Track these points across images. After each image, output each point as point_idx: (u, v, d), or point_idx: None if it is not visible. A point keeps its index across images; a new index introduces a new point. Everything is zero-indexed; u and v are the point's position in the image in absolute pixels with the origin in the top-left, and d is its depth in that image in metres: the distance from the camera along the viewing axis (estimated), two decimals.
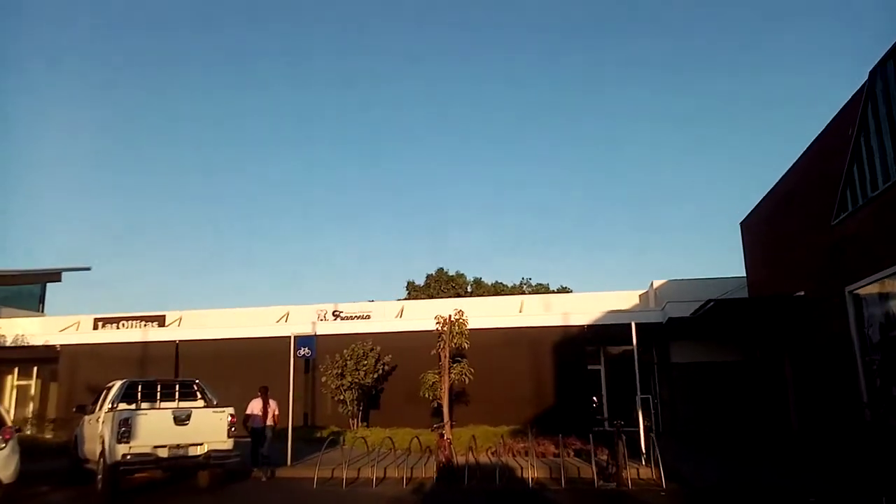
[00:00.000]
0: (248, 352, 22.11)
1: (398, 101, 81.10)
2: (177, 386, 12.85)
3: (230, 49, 77.51)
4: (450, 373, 16.59)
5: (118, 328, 26.82)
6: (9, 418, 10.94)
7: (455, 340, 16.80)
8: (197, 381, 12.69)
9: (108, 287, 68.49)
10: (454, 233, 74.19)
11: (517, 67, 78.13)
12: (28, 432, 23.62)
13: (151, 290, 70.81)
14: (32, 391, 26.60)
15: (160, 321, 26.90)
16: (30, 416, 24.46)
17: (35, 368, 26.56)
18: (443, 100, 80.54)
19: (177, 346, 23.41)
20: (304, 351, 13.60)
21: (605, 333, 20.17)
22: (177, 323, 26.70)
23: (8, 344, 23.57)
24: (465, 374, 17.14)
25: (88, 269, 30.66)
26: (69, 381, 23.52)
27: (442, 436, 11.28)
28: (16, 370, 26.66)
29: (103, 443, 10.77)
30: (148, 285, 73.24)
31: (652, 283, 23.03)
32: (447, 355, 16.53)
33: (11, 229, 66.57)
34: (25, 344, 23.85)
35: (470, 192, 78.77)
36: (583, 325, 20.53)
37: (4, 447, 10.46)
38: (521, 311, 24.68)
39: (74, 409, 13.47)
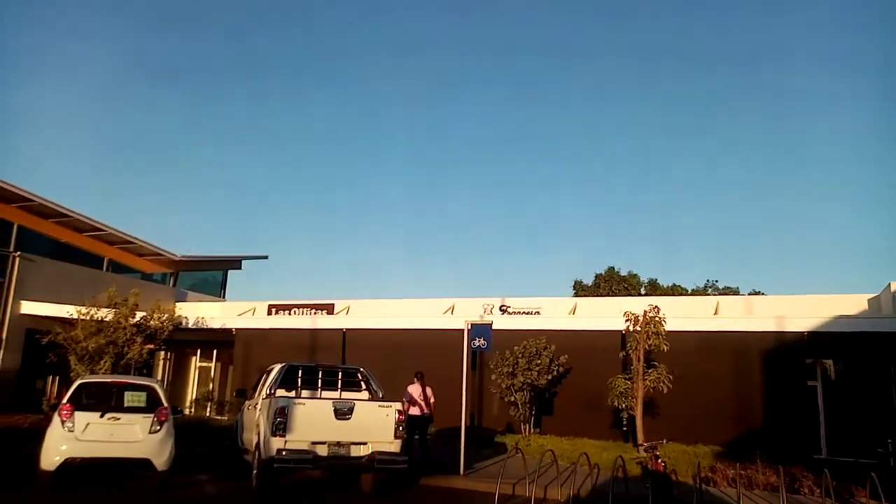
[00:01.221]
0: (414, 343, 20.68)
1: (577, 100, 78.06)
2: (340, 373, 11.22)
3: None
4: (644, 379, 13.82)
5: (289, 314, 26.48)
6: (165, 397, 9.74)
7: (650, 342, 14.01)
8: (362, 368, 10.98)
9: (283, 275, 71.51)
10: (623, 231, 69.89)
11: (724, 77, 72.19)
12: (206, 413, 23.86)
13: (322, 280, 73.07)
14: (212, 373, 26.96)
15: (329, 309, 26.29)
16: (208, 396, 24.75)
17: (215, 351, 26.93)
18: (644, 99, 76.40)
19: (344, 335, 22.45)
20: (478, 342, 11.52)
21: (831, 342, 16.34)
22: (345, 311, 25.93)
23: (190, 326, 23.71)
24: (663, 382, 14.24)
25: (265, 257, 31.04)
26: (243, 364, 23.33)
27: (656, 457, 8.63)
28: (198, 352, 27.12)
29: (258, 433, 9.29)
30: (319, 275, 75.82)
31: (890, 285, 18.64)
32: (641, 358, 13.79)
33: (201, 218, 71.47)
34: (205, 326, 23.91)
35: (646, 192, 73.94)
36: (802, 332, 16.78)
37: (159, 430, 9.29)
38: (716, 314, 21.14)
39: (234, 394, 12.26)
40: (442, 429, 16.48)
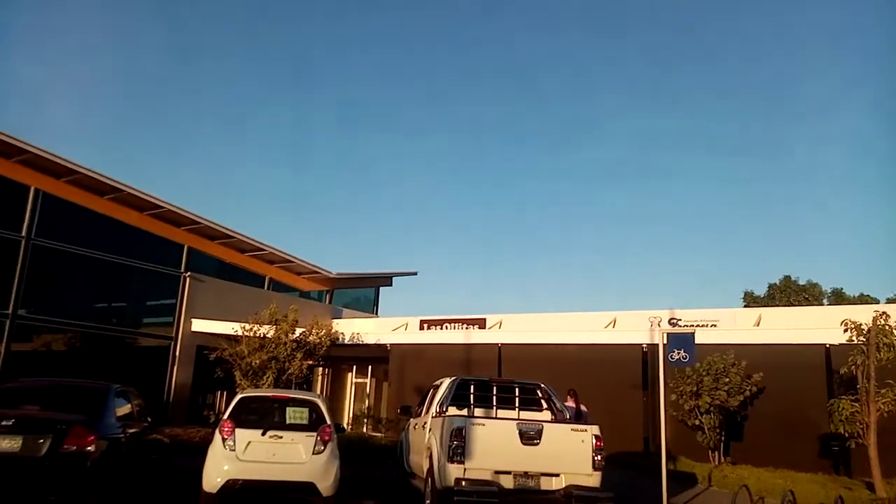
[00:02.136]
0: (576, 358, 18.97)
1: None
2: (517, 389, 9.64)
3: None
4: (876, 400, 11.14)
5: (441, 329, 25.44)
6: (328, 414, 8.63)
7: (882, 355, 11.31)
8: (542, 384, 9.35)
9: (432, 290, 71.58)
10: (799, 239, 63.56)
11: None
12: (364, 430, 23.26)
13: (472, 294, 72.40)
14: (368, 389, 26.47)
15: (480, 324, 24.98)
16: (365, 413, 24.22)
17: (370, 367, 26.47)
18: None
19: (499, 350, 21.05)
20: (679, 354, 9.50)
21: None
22: (497, 326, 24.47)
23: (346, 341, 23.26)
24: None
25: (415, 273, 30.33)
26: (398, 380, 22.56)
27: None
28: (354, 368, 26.76)
29: (431, 457, 7.93)
30: (469, 289, 75.24)
31: None
32: (871, 376, 11.13)
33: (349, 236, 73.30)
34: (361, 342, 23.37)
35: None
36: None
37: (323, 450, 8.19)
38: None
39: (399, 411, 11.05)
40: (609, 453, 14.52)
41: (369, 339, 23.53)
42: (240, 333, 20.65)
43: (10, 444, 7.04)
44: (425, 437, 8.75)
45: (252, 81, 76.90)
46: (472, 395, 9.18)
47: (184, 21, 72.52)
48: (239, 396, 8.93)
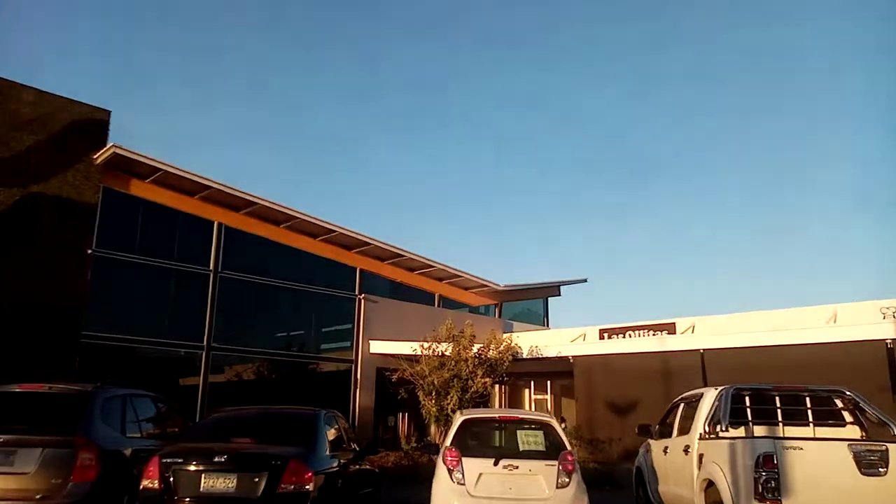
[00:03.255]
0: (797, 361, 16.10)
1: None
2: (807, 399, 7.42)
3: None
4: None
5: (624, 338, 23.11)
6: (566, 437, 6.99)
7: None
8: (847, 390, 7.08)
9: (604, 298, 68.32)
10: None
11: None
12: None
13: (650, 299, 68.29)
14: (548, 405, 24.68)
15: (669, 329, 22.38)
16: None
17: (548, 382, 24.71)
18: None
19: (702, 356, 18.44)
20: None
21: None
22: (690, 330, 21.79)
23: (524, 355, 21.65)
24: None
25: (584, 280, 28.27)
26: (586, 395, 20.63)
27: None
28: (532, 384, 25.09)
29: (710, 491, 6.00)
30: (645, 294, 71.08)
31: None
32: None
33: (512, 248, 71.98)
34: (539, 356, 21.66)
35: None
36: None
37: (568, 483, 6.58)
38: None
39: (637, 431, 9.16)
40: None
41: (549, 353, 21.80)
42: (418, 352, 19.79)
43: (224, 483, 6.12)
44: (692, 463, 6.88)
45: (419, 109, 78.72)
46: (748, 409, 7.13)
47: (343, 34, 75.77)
48: (461, 419, 7.57)
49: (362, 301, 23.18)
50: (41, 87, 17.89)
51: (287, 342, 22.91)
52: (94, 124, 18.50)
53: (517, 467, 6.85)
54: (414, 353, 19.93)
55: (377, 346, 22.72)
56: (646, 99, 74.15)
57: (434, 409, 19.15)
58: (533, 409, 25.21)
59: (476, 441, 7.36)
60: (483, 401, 21.07)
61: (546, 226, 77.10)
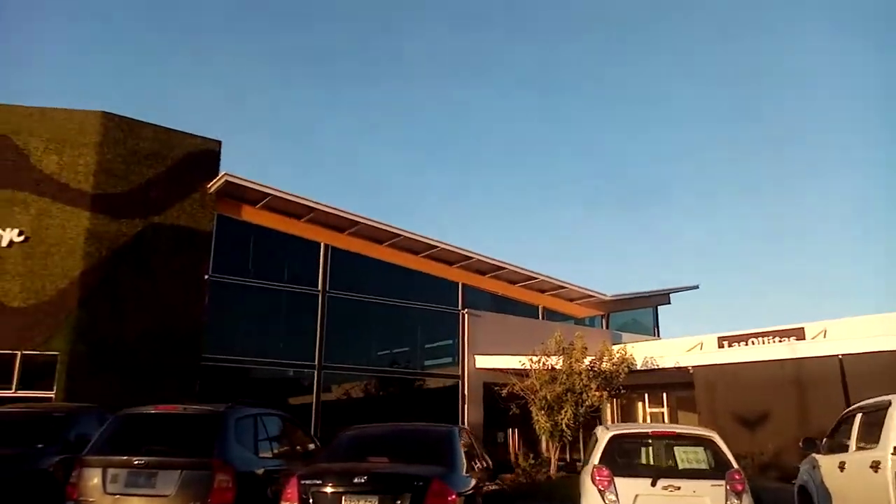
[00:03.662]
0: None
1: None
2: None
3: None
4: None
5: (747, 345, 21.48)
6: (730, 453, 6.17)
7: None
8: None
9: (718, 304, 64.90)
10: None
11: None
12: None
13: (768, 304, 64.16)
14: (664, 419, 23.28)
15: (798, 334, 20.63)
16: None
17: (664, 394, 23.32)
18: None
19: (840, 362, 16.76)
20: None
21: None
22: (822, 335, 19.96)
23: (638, 367, 20.50)
24: None
25: (696, 287, 26.66)
26: (709, 408, 19.24)
27: None
28: (646, 396, 23.77)
29: None
30: (762, 298, 66.95)
31: None
32: None
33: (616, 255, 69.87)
34: (655, 367, 20.44)
35: None
36: None
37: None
38: None
39: (801, 445, 8.14)
40: None
41: (666, 363, 20.54)
42: (527, 366, 19.12)
43: None
44: (885, 482, 5.87)
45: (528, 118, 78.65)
46: None
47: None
48: (609, 434, 6.90)
49: (466, 316, 22.78)
50: (156, 122, 18.76)
51: (392, 359, 22.83)
52: (206, 155, 19.17)
53: (679, 488, 6.10)
54: (523, 367, 19.29)
55: (483, 361, 22.22)
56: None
57: (548, 424, 18.40)
58: (649, 422, 23.89)
59: (627, 459, 6.68)
60: (596, 415, 20.14)
61: (654, 233, 74.41)
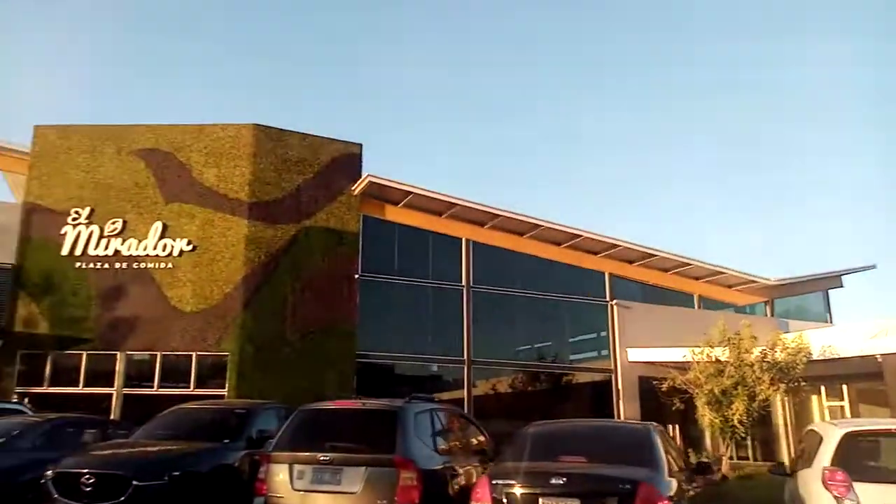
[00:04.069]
0: None
1: None
2: None
3: None
4: None
5: None
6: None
7: None
8: None
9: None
10: None
11: None
12: None
13: None
14: (846, 413, 20.87)
15: None
16: None
17: (843, 387, 20.88)
18: None
19: None
20: None
21: None
22: None
23: (815, 357, 18.44)
24: None
25: (873, 267, 23.72)
26: None
27: None
28: (822, 389, 21.43)
29: None
30: None
31: None
32: None
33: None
34: (834, 356, 18.29)
35: None
36: None
37: None
38: None
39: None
40: None
41: (847, 352, 18.31)
42: (688, 359, 17.78)
43: None
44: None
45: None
46: None
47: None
48: (840, 432, 5.93)
49: (615, 307, 21.67)
50: (299, 129, 19.37)
51: (539, 353, 22.20)
52: (349, 158, 19.59)
53: None
54: (685, 359, 17.97)
55: (636, 354, 21.02)
56: None
57: (716, 420, 16.99)
58: (827, 417, 21.54)
59: (866, 460, 5.66)
60: (767, 411, 18.41)
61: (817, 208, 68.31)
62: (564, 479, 5.28)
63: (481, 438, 8.13)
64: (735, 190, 71.39)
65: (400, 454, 6.14)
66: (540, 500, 5.29)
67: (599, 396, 21.42)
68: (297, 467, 6.28)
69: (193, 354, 17.18)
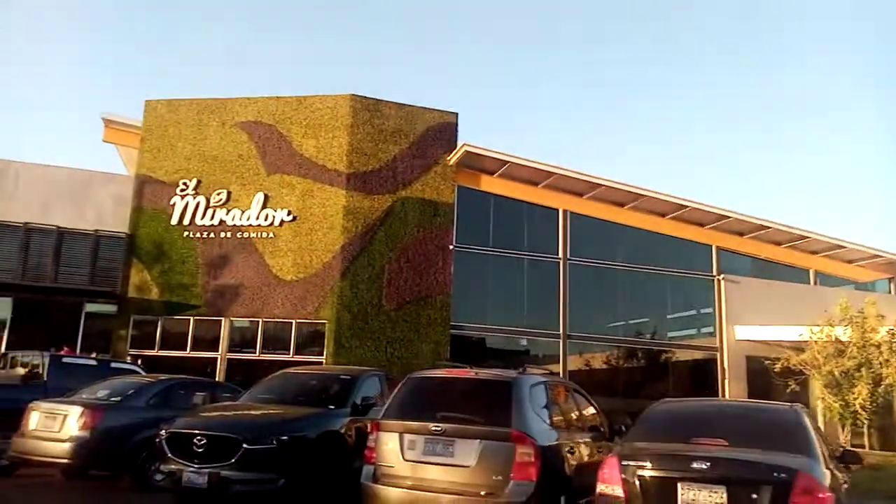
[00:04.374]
0: None
1: None
2: None
3: None
4: None
5: None
6: None
7: None
8: None
9: None
10: None
11: None
12: None
13: None
14: None
15: None
16: None
17: None
18: None
19: None
20: None
21: None
22: None
23: None
24: None
25: None
26: None
27: None
28: None
29: None
30: None
31: None
32: None
33: None
34: None
35: None
36: None
37: None
38: None
39: None
40: None
41: None
42: (805, 338, 16.48)
43: (710, 497, 4.62)
44: None
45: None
46: None
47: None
48: None
49: (721, 282, 20.34)
50: (394, 98, 19.12)
51: (637, 329, 21.23)
52: (444, 128, 19.18)
53: None
54: (800, 339, 16.67)
55: (745, 332, 19.67)
56: None
57: (836, 404, 15.69)
58: None
59: None
60: (892, 397, 16.85)
61: None
62: (707, 463, 4.68)
63: (595, 414, 7.59)
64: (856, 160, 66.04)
65: (517, 428, 5.71)
66: (679, 485, 4.71)
67: (701, 375, 20.28)
68: (407, 437, 5.98)
69: (293, 322, 17.46)
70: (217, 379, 16.52)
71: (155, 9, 69.76)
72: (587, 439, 6.91)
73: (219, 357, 17.53)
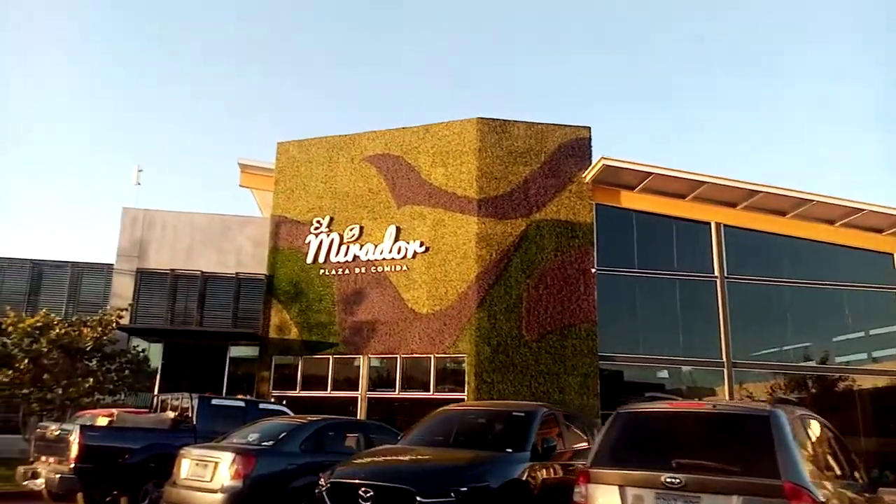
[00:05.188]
0: None
1: None
2: None
3: None
4: None
5: None
6: None
7: None
8: None
9: None
10: None
11: None
12: None
13: None
14: None
15: None
16: None
17: None
18: None
19: None
20: None
21: None
22: None
23: None
24: None
25: None
26: None
27: None
28: None
29: None
30: None
31: None
32: None
33: None
34: None
35: None
36: None
37: None
38: None
39: None
40: None
41: None
42: None
43: None
44: None
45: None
46: None
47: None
48: None
49: None
50: (520, 118, 17.99)
51: (808, 353, 18.35)
52: (577, 144, 17.83)
53: None
54: None
55: None
56: None
57: None
58: None
59: None
60: None
61: None
62: None
63: (850, 456, 5.79)
64: None
65: (789, 479, 4.14)
66: None
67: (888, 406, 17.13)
68: (630, 491, 4.56)
69: (431, 356, 16.48)
70: (359, 418, 15.76)
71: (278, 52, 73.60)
72: (855, 493, 5.17)
73: (359, 396, 16.80)
